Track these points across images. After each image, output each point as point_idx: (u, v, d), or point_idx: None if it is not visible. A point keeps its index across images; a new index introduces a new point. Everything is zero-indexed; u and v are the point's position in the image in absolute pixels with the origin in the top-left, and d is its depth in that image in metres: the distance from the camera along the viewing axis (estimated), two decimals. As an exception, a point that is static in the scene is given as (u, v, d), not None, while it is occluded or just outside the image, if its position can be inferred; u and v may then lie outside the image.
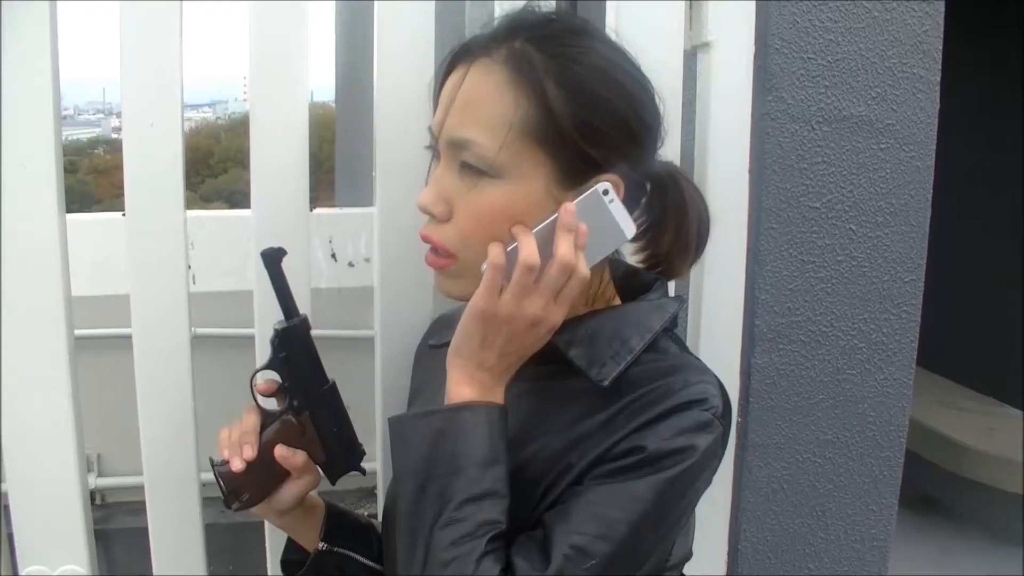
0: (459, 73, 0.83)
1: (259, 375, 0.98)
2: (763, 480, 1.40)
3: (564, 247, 0.78)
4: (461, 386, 0.81)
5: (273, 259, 0.96)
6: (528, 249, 0.78)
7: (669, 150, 1.17)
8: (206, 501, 1.18)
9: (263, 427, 0.96)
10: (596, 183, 0.80)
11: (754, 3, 1.25)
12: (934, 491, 3.26)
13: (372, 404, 1.22)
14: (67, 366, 1.10)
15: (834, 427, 1.41)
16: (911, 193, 1.36)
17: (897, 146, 1.34)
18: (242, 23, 1.13)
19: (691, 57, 1.26)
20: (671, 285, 1.07)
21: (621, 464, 0.78)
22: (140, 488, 1.17)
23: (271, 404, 0.99)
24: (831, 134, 1.31)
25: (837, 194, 1.33)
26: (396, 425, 0.82)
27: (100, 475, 2.65)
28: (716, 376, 0.85)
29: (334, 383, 0.99)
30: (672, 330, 0.90)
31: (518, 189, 0.80)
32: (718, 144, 1.25)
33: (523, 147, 0.79)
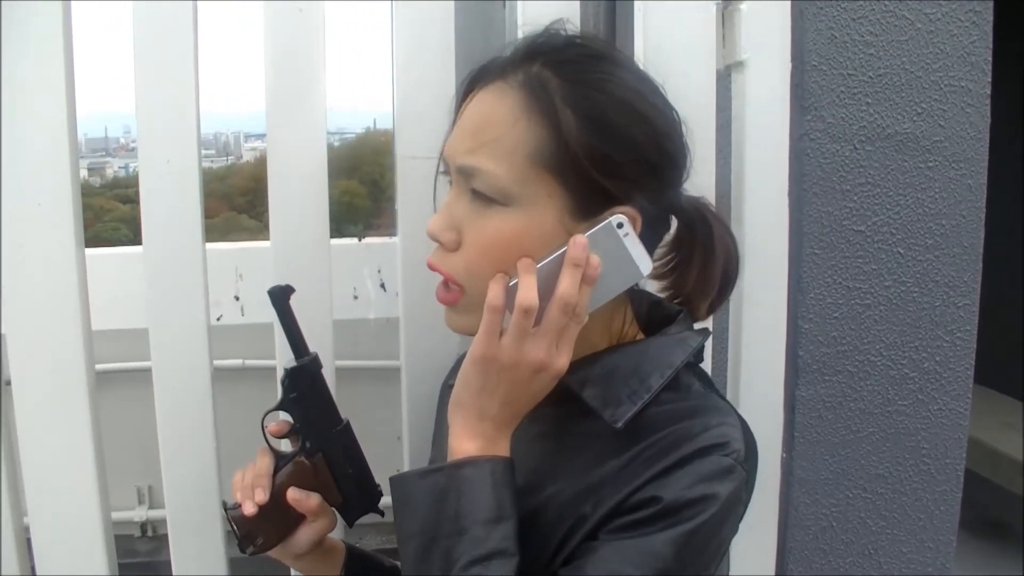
0: (475, 96, 0.80)
1: (270, 416, 0.95)
2: (810, 518, 1.33)
3: (566, 283, 0.74)
4: (462, 440, 0.77)
5: (280, 297, 0.93)
6: (526, 290, 0.73)
7: (703, 176, 1.13)
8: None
9: (276, 469, 0.93)
10: (610, 215, 0.75)
11: (789, 19, 1.19)
12: (1003, 515, 3.13)
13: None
14: (87, 400, 1.09)
15: (885, 461, 1.33)
16: (962, 213, 1.29)
17: (946, 164, 1.27)
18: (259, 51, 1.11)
19: (724, 77, 1.20)
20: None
21: (637, 517, 0.73)
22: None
23: (286, 447, 0.96)
24: (874, 153, 1.25)
25: (883, 216, 1.26)
26: (397, 484, 0.78)
27: (151, 507, 2.65)
28: (739, 417, 0.80)
29: (348, 423, 0.96)
30: (697, 364, 0.85)
31: (529, 219, 0.76)
32: (755, 167, 1.20)
33: (535, 175, 0.75)
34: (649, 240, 0.78)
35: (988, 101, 1.28)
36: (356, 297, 2.76)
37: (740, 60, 1.18)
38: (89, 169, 4.95)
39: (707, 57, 1.16)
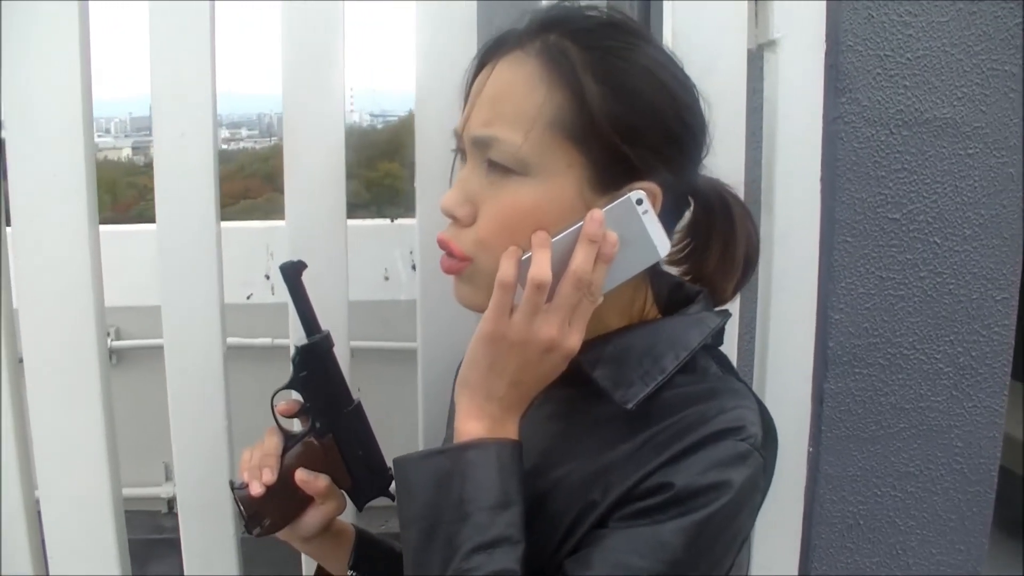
0: (489, 68, 0.76)
1: (280, 395, 0.92)
2: (836, 515, 1.28)
3: (581, 258, 0.70)
4: (468, 421, 0.74)
5: (292, 272, 0.90)
6: (539, 265, 0.70)
7: (732, 158, 1.09)
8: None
9: (285, 450, 0.91)
10: (630, 191, 0.72)
11: (825, -3, 1.15)
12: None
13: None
14: (99, 377, 1.07)
15: (916, 459, 1.28)
16: (1002, 203, 1.24)
17: (986, 151, 1.22)
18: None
19: (756, 57, 1.16)
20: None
21: (647, 504, 0.70)
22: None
23: (296, 427, 0.94)
24: (911, 138, 1.20)
25: (919, 204, 1.22)
26: (399, 467, 0.75)
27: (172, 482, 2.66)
28: (758, 400, 0.76)
29: (359, 403, 0.93)
30: (715, 347, 0.82)
31: (547, 189, 0.73)
32: (787, 150, 1.15)
33: (554, 142, 0.72)
34: (667, 220, 0.75)
35: (1032, 86, 1.23)
36: (387, 278, 2.74)
37: (773, 39, 1.13)
38: (134, 148, 4.97)
39: (739, 36, 1.12)
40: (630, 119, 0.72)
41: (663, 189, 0.73)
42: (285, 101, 1.10)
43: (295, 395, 0.93)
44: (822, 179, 1.17)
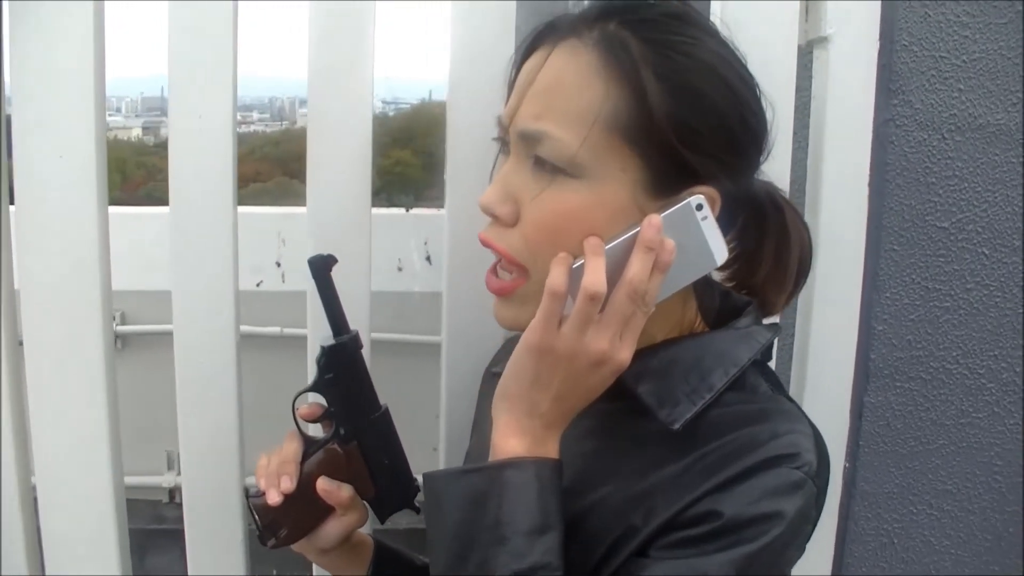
0: (540, 55, 0.71)
1: (302, 398, 0.87)
2: (871, 532, 1.24)
3: (637, 267, 0.65)
4: (508, 438, 0.69)
5: (321, 267, 0.84)
6: (594, 274, 0.65)
7: (777, 159, 1.04)
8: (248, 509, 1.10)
9: (305, 456, 0.85)
10: (689, 195, 0.67)
11: (880, -7, 1.10)
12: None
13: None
14: (103, 362, 1.03)
15: (955, 476, 1.24)
16: (1054, 214, 1.19)
17: (1040, 160, 1.17)
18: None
19: (805, 54, 1.11)
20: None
21: (693, 533, 0.65)
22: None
23: (317, 431, 0.89)
24: (964, 144, 1.15)
25: (969, 213, 1.17)
26: (430, 483, 0.70)
27: (180, 474, 2.60)
28: (811, 424, 0.72)
29: (386, 409, 0.88)
30: (764, 363, 0.77)
31: (600, 192, 0.68)
32: (835, 153, 1.10)
33: (609, 144, 0.67)
34: (723, 226, 0.70)
35: (1089, 93, 1.18)
36: (400, 269, 2.68)
37: (824, 36, 1.08)
38: (144, 128, 4.94)
39: (789, 30, 1.07)
40: (691, 121, 0.67)
41: (722, 194, 0.69)
42: (311, 86, 1.05)
43: (314, 397, 0.88)
44: (870, 184, 1.12)
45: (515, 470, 0.67)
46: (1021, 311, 1.21)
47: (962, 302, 1.19)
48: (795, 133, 1.09)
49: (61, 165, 0.98)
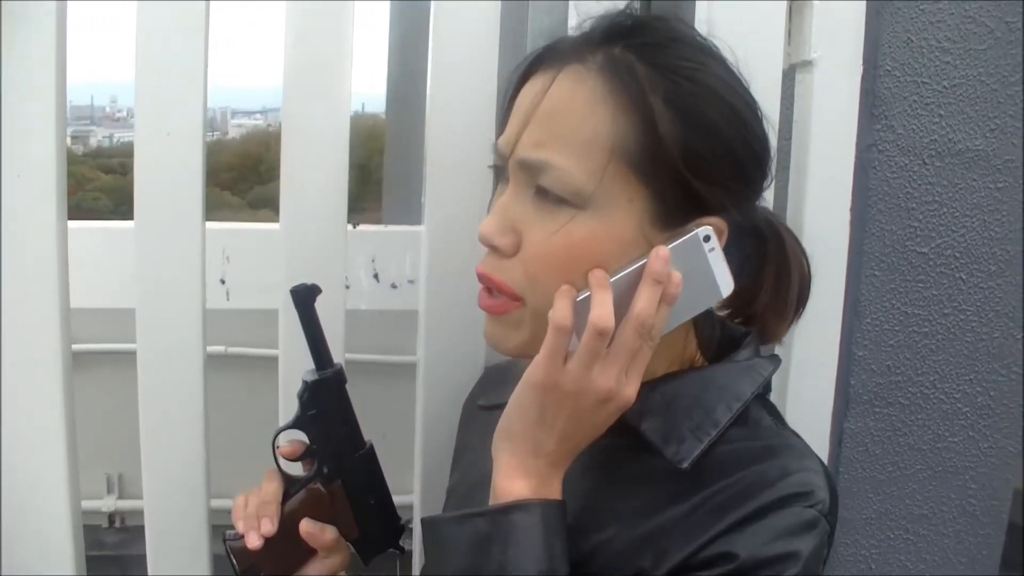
0: (541, 80, 0.68)
1: (283, 435, 0.83)
2: (849, 559, 1.23)
3: (644, 301, 0.63)
4: (512, 479, 0.66)
5: (305, 298, 0.80)
6: (602, 308, 0.63)
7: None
8: (215, 531, 1.03)
9: (286, 496, 0.81)
10: (696, 226, 0.65)
11: (863, 18, 1.08)
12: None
13: (412, 436, 1.09)
14: (62, 380, 0.98)
15: (930, 501, 1.24)
16: (1029, 239, 1.20)
17: (1015, 185, 1.18)
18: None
19: (787, 77, 1.10)
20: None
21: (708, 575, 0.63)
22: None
23: (296, 468, 0.84)
24: (943, 169, 1.15)
25: (947, 238, 1.17)
26: (431, 527, 0.67)
27: (121, 497, 2.49)
28: (819, 459, 0.70)
29: (371, 446, 0.84)
30: (765, 396, 0.75)
31: (606, 224, 0.65)
32: (817, 177, 1.09)
33: (617, 173, 0.64)
34: (728, 256, 0.68)
35: (1063, 120, 1.18)
36: (348, 287, 2.62)
37: (809, 60, 1.07)
38: (73, 137, 4.80)
39: (774, 54, 1.06)
40: (700, 149, 0.65)
41: (729, 224, 0.67)
42: (285, 99, 1.01)
43: (294, 433, 0.84)
44: (852, 209, 1.11)
45: (521, 513, 0.64)
46: (995, 335, 1.21)
47: (940, 327, 1.19)
48: (777, 157, 1.07)
49: (20, 184, 0.93)
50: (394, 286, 1.92)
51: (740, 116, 0.67)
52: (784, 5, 1.07)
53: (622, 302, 0.64)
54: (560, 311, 0.63)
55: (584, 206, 0.65)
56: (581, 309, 0.63)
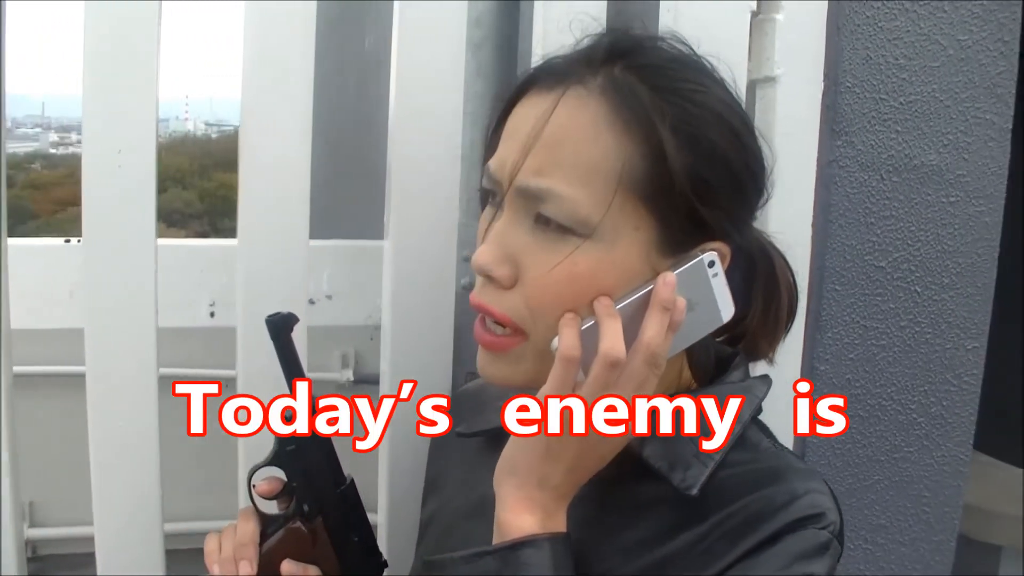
0: (537, 102, 0.66)
1: (259, 473, 0.79)
2: (810, 571, 1.24)
3: (654, 330, 0.62)
4: (519, 514, 0.63)
5: (281, 327, 0.76)
6: (613, 339, 0.61)
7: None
8: (172, 555, 1.02)
9: (263, 536, 0.77)
10: (701, 252, 0.65)
11: (824, 35, 1.09)
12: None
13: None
14: (4, 404, 0.95)
15: (888, 511, 1.25)
16: (978, 252, 1.22)
17: (966, 199, 1.20)
18: (193, 36, 0.96)
19: (749, 92, 1.10)
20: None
21: None
22: (79, 540, 1.07)
23: (271, 507, 0.80)
24: (900, 185, 1.17)
25: (904, 252, 1.18)
26: (438, 568, 0.65)
27: (32, 525, 2.37)
28: (823, 478, 0.69)
29: (352, 481, 0.81)
30: (757, 418, 0.74)
31: (612, 253, 0.64)
32: (779, 193, 1.08)
33: (623, 202, 0.63)
34: (730, 280, 0.68)
35: (1009, 136, 1.21)
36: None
37: (771, 76, 1.07)
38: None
39: (737, 70, 1.05)
40: (707, 174, 0.63)
41: (731, 248, 0.67)
42: (243, 104, 0.97)
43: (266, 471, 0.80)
44: (813, 224, 1.12)
45: (532, 549, 0.62)
46: (948, 346, 1.23)
47: (896, 340, 1.20)
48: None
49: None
50: (312, 302, 1.88)
51: (741, 138, 0.66)
52: (747, 22, 1.07)
53: (626, 330, 0.62)
54: (568, 341, 0.62)
55: (589, 236, 0.63)
56: (587, 338, 0.62)
